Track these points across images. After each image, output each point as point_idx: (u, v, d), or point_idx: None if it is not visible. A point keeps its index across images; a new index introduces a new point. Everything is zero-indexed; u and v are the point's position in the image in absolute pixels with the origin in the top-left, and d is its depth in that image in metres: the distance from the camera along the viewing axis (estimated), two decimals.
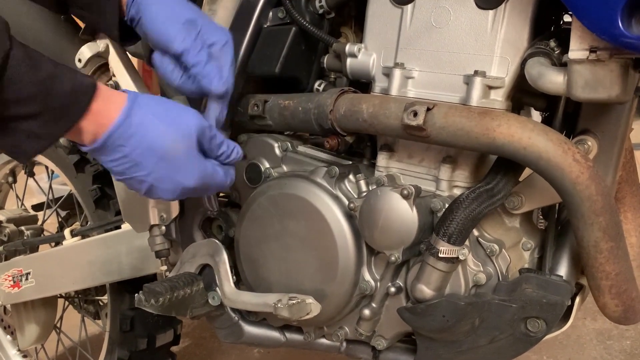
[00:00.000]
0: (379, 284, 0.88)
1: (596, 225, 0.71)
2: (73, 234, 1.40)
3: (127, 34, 0.89)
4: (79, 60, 0.99)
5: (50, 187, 1.61)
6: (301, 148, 0.96)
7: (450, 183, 0.83)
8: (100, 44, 0.97)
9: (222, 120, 0.86)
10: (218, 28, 0.85)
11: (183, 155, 0.76)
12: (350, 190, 0.88)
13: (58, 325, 1.69)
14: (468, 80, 0.79)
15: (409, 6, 0.84)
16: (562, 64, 0.73)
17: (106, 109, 0.73)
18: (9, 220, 1.62)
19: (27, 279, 1.46)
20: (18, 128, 0.68)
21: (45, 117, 0.68)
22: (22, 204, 1.74)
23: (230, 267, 0.96)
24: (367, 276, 0.88)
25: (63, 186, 1.55)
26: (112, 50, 0.97)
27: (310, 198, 0.87)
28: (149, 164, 0.75)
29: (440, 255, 0.77)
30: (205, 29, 0.83)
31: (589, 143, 0.80)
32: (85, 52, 0.98)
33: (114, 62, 0.99)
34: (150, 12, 0.82)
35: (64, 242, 1.41)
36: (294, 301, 0.86)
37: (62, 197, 1.57)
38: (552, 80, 0.72)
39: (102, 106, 0.72)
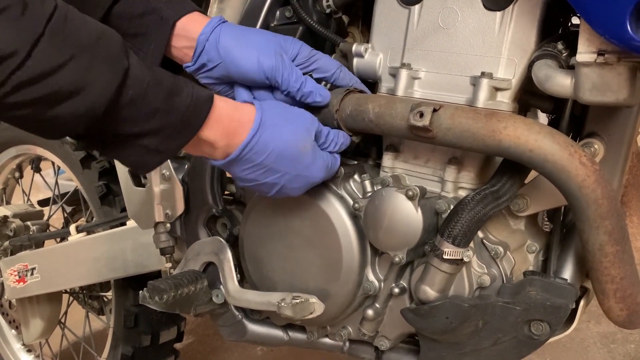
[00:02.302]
0: (382, 284, 0.88)
1: (602, 229, 0.70)
2: (78, 230, 1.41)
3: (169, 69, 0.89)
4: None
5: (57, 182, 1.61)
6: None
7: (456, 184, 0.83)
8: None
9: None
10: (287, 39, 0.85)
11: (311, 153, 0.79)
12: (355, 190, 0.88)
13: (62, 320, 1.70)
14: (475, 82, 0.79)
15: (416, 7, 0.84)
16: (569, 67, 0.73)
17: (237, 120, 0.75)
18: (15, 216, 1.63)
19: (32, 274, 1.47)
20: (138, 144, 0.68)
21: (167, 132, 0.69)
22: (28, 199, 1.75)
23: (234, 265, 0.96)
24: (371, 276, 0.88)
25: (69, 182, 1.56)
26: None
27: (315, 198, 0.87)
28: (282, 167, 0.78)
29: (445, 256, 0.77)
30: (284, 44, 0.84)
31: (596, 146, 0.79)
32: None
33: None
34: (234, 56, 0.81)
35: (69, 238, 1.42)
36: (298, 300, 0.86)
37: (68, 192, 1.58)
38: (560, 82, 0.72)
39: (231, 116, 0.74)
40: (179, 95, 0.69)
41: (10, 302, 1.73)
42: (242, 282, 0.98)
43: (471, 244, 0.79)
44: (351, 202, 0.87)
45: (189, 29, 0.83)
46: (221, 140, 0.74)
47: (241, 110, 0.76)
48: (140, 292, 0.93)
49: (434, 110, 0.75)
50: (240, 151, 0.75)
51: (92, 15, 0.84)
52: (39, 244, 1.59)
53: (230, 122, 0.75)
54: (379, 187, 0.85)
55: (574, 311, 0.84)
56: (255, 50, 0.81)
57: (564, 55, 0.74)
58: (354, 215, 0.86)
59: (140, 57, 0.89)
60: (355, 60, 0.90)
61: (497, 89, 0.78)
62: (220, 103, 0.74)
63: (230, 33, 0.82)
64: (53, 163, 1.51)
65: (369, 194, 0.86)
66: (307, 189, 0.83)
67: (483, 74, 0.78)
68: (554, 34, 0.79)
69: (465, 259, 0.78)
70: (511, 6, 0.77)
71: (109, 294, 1.53)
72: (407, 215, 0.79)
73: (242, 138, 0.75)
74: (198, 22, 0.83)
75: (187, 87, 0.70)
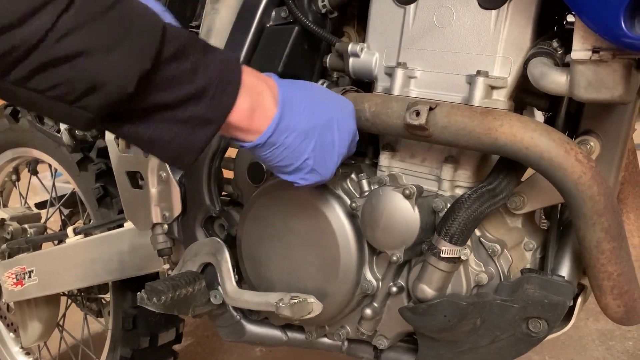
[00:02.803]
0: (380, 283, 0.88)
1: (598, 226, 0.71)
2: (76, 232, 1.41)
3: None
4: None
5: (54, 185, 1.61)
6: None
7: (452, 183, 0.83)
8: None
9: None
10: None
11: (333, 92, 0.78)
12: (352, 189, 0.88)
13: (61, 323, 1.70)
14: (470, 80, 0.79)
15: (412, 6, 0.84)
16: (564, 65, 0.73)
17: (263, 87, 0.69)
18: (12, 218, 1.63)
19: (30, 276, 1.47)
20: (182, 119, 0.61)
21: (211, 92, 0.61)
22: (26, 202, 1.74)
23: (232, 265, 0.96)
24: (369, 276, 0.88)
25: (66, 184, 1.56)
26: None
27: (312, 197, 0.87)
28: (325, 100, 0.75)
29: (442, 255, 0.77)
30: None
31: (592, 143, 0.79)
32: None
33: None
34: None
35: (67, 240, 1.42)
36: (296, 300, 0.86)
37: (65, 195, 1.58)
38: (555, 80, 0.72)
39: (256, 81, 0.68)
40: (213, 52, 0.63)
41: (8, 305, 1.73)
42: (240, 282, 0.98)
43: (468, 242, 0.79)
44: (348, 201, 0.87)
45: None
46: (265, 84, 0.69)
47: (263, 78, 0.71)
48: (138, 293, 0.93)
49: (430, 109, 0.75)
50: (273, 129, 0.68)
51: None
52: (37, 247, 1.59)
53: (261, 75, 0.70)
54: (376, 186, 0.85)
55: (572, 308, 0.84)
56: None
57: (559, 53, 0.74)
58: (352, 215, 0.86)
59: None
60: (351, 59, 0.90)
61: (493, 87, 0.79)
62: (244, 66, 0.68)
63: None
64: (50, 165, 1.51)
65: (366, 193, 0.86)
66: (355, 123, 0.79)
67: (479, 73, 0.78)
68: (549, 32, 0.79)
69: (463, 257, 0.78)
70: (506, 4, 0.77)
71: (107, 296, 1.52)
72: (404, 214, 0.79)
73: (274, 105, 0.69)
74: None
75: (212, 47, 0.65)
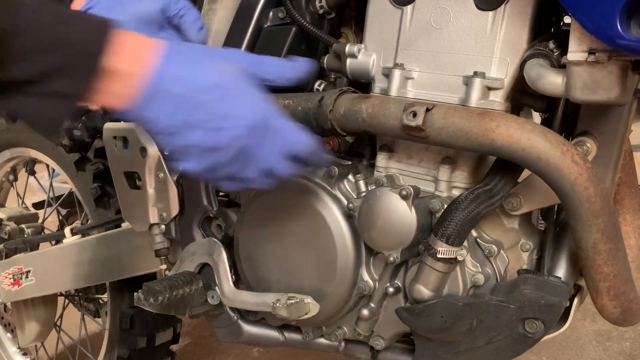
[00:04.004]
0: (377, 284, 0.88)
1: (595, 227, 0.71)
2: (73, 232, 1.41)
3: None
4: None
5: (51, 185, 1.61)
6: None
7: (449, 184, 0.83)
8: None
9: None
10: None
11: (240, 82, 0.67)
12: (349, 190, 0.88)
13: (58, 323, 1.69)
14: (467, 81, 0.79)
15: (409, 7, 0.84)
16: (561, 66, 0.73)
17: (145, 42, 0.63)
18: (9, 218, 1.63)
19: (27, 277, 1.47)
20: (42, 92, 0.58)
21: (68, 67, 0.58)
22: (23, 202, 1.74)
23: (230, 266, 0.96)
24: (366, 276, 0.88)
25: (64, 184, 1.56)
26: None
27: (309, 198, 0.87)
28: (210, 99, 0.64)
29: (439, 255, 0.77)
30: None
31: (588, 145, 0.80)
32: None
33: None
34: None
35: (64, 241, 1.42)
36: (293, 301, 0.86)
37: (62, 195, 1.58)
38: (551, 81, 0.72)
39: (136, 38, 0.62)
40: (74, 18, 0.59)
41: (5, 306, 1.73)
42: (237, 283, 0.98)
43: (465, 243, 0.79)
44: (345, 202, 0.87)
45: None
46: (130, 63, 0.61)
47: (152, 41, 0.64)
48: (135, 293, 0.93)
49: (427, 110, 0.75)
50: (151, 84, 0.61)
51: None
52: (34, 247, 1.59)
53: (137, 43, 0.62)
54: (373, 187, 0.85)
55: (568, 309, 0.84)
56: None
57: (555, 54, 0.74)
58: (349, 215, 0.86)
59: None
60: (348, 60, 0.90)
61: (490, 89, 0.79)
62: (129, 34, 0.62)
63: None
64: (47, 166, 1.51)
65: (363, 193, 0.86)
66: (245, 138, 0.66)
67: (475, 74, 0.78)
68: (546, 34, 0.79)
69: (459, 258, 0.78)
70: (503, 6, 0.77)
71: (105, 297, 1.52)
72: (401, 214, 0.79)
73: (155, 55, 0.62)
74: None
75: (83, 14, 0.61)
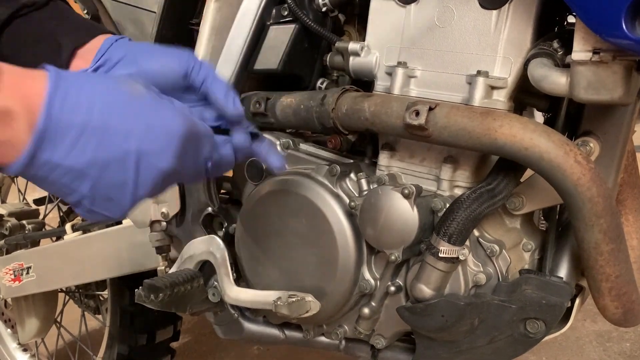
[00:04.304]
0: (378, 282, 0.88)
1: (597, 227, 0.71)
2: (74, 229, 1.41)
3: None
4: None
5: None
6: (303, 146, 0.96)
7: (452, 183, 0.83)
8: None
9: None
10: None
11: (148, 94, 0.57)
12: (351, 188, 0.88)
13: (58, 319, 1.70)
14: (471, 80, 0.79)
15: (413, 5, 0.84)
16: (565, 65, 0.73)
17: (32, 77, 0.52)
18: (10, 214, 1.63)
19: (28, 273, 1.47)
20: None
21: None
22: (24, 198, 1.74)
23: (231, 264, 0.96)
24: (367, 275, 0.88)
25: None
26: None
27: (311, 196, 0.87)
28: (120, 119, 0.53)
29: (441, 255, 0.77)
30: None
31: (591, 145, 0.79)
32: None
33: None
34: (145, 48, 0.70)
35: (65, 237, 1.42)
36: (294, 299, 0.86)
37: None
38: (555, 81, 0.72)
39: (24, 75, 0.52)
40: None
41: (5, 301, 1.73)
42: (238, 280, 0.98)
43: (467, 243, 0.79)
44: (347, 200, 0.87)
45: (95, 47, 0.70)
46: (17, 101, 0.50)
47: (32, 70, 0.53)
48: (136, 290, 0.93)
49: (430, 109, 0.75)
50: (50, 100, 0.50)
51: None
52: (35, 243, 1.59)
53: (23, 79, 0.51)
54: (375, 186, 0.85)
55: (570, 309, 0.84)
56: (172, 47, 0.70)
57: (559, 53, 0.74)
58: (350, 214, 0.86)
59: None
60: (351, 59, 0.90)
61: (493, 88, 0.78)
62: (4, 65, 0.51)
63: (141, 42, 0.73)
64: None
65: (365, 192, 0.86)
66: (178, 156, 0.57)
67: (479, 73, 0.78)
68: (550, 33, 0.79)
69: (461, 258, 0.78)
70: (507, 5, 0.77)
71: (105, 293, 1.52)
72: (403, 213, 0.79)
73: (43, 89, 0.51)
74: (103, 39, 0.71)
75: None
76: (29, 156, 0.50)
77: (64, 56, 0.69)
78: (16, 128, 0.50)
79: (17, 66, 0.52)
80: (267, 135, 0.95)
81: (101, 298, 1.59)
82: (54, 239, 1.57)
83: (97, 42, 0.71)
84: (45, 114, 0.50)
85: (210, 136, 0.65)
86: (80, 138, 0.52)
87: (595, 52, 0.66)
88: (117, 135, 0.53)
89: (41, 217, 1.68)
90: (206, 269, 0.99)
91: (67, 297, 1.67)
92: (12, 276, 1.50)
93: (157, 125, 0.55)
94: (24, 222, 1.63)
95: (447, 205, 0.79)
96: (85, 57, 0.70)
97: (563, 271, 0.82)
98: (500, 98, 0.79)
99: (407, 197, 0.78)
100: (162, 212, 1.06)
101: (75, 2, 1.23)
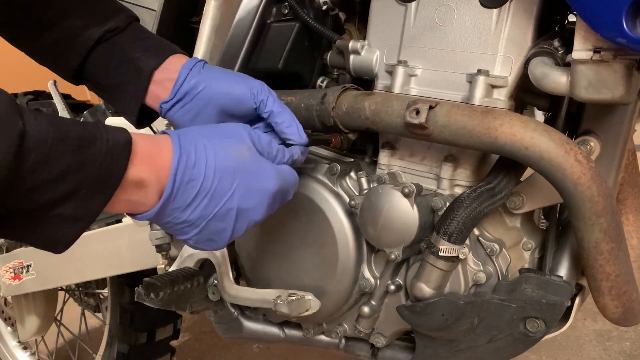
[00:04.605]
0: (378, 281, 0.88)
1: (597, 227, 0.70)
2: None
3: (144, 117, 0.84)
4: None
5: None
6: None
7: (452, 182, 0.83)
8: None
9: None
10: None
11: (252, 159, 0.69)
12: (351, 187, 0.88)
13: (58, 317, 1.70)
14: (471, 79, 0.79)
15: (413, 4, 0.84)
16: (565, 64, 0.73)
17: (158, 148, 0.63)
18: None
19: (27, 271, 1.47)
20: (50, 215, 0.55)
21: (82, 191, 0.56)
22: None
23: (230, 262, 0.96)
24: (367, 274, 0.88)
25: None
26: None
27: (311, 195, 0.87)
28: (228, 183, 0.66)
29: (441, 254, 0.77)
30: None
31: (592, 144, 0.79)
32: None
33: None
34: (221, 76, 0.79)
35: None
36: (294, 297, 0.86)
37: None
38: (556, 80, 0.72)
39: (152, 146, 0.63)
40: (92, 145, 0.56)
41: (5, 299, 1.73)
42: (238, 279, 0.98)
43: (467, 242, 0.79)
44: (347, 199, 0.87)
45: (169, 69, 0.79)
46: (151, 173, 0.61)
47: (158, 138, 0.65)
48: (136, 289, 0.93)
49: (430, 108, 0.75)
50: (174, 173, 0.62)
51: (67, 64, 0.80)
52: None
53: (154, 151, 0.63)
54: (375, 185, 0.85)
55: (570, 308, 0.84)
56: (242, 75, 0.80)
57: (560, 52, 0.74)
58: (350, 213, 0.86)
59: (118, 109, 0.83)
60: (351, 57, 0.90)
61: (494, 87, 0.78)
62: (138, 138, 0.62)
63: (213, 66, 0.81)
64: None
65: (365, 191, 0.86)
66: (269, 208, 0.71)
67: (479, 72, 0.78)
68: (551, 32, 0.79)
69: (461, 256, 0.78)
70: (508, 3, 0.77)
71: (105, 292, 1.52)
72: (403, 212, 0.79)
73: (169, 162, 0.63)
74: (178, 61, 0.80)
75: (100, 131, 0.58)
76: (156, 212, 0.63)
77: (142, 79, 0.79)
78: (148, 192, 0.62)
79: (144, 134, 0.64)
80: None
81: (101, 296, 1.59)
82: None
83: (171, 64, 0.80)
84: (172, 184, 0.62)
85: (295, 184, 0.75)
86: (195, 199, 0.64)
87: (596, 51, 0.66)
88: (223, 196, 0.66)
89: None
90: (206, 267, 0.99)
91: (67, 296, 1.67)
92: (12, 274, 1.50)
93: (255, 187, 0.68)
94: None
95: (447, 204, 0.79)
96: (162, 82, 0.80)
97: (563, 270, 0.82)
98: (501, 97, 0.79)
99: (407, 196, 0.78)
100: None
101: None
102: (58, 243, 0.59)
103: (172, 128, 0.96)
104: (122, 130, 0.60)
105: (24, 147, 0.51)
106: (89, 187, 0.56)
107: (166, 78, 0.80)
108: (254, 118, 0.81)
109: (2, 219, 0.54)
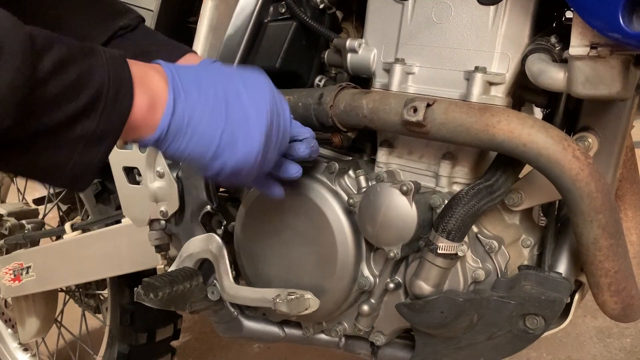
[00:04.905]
0: (377, 279, 0.88)
1: (595, 223, 0.70)
2: (74, 228, 1.41)
3: None
4: None
5: None
6: None
7: (450, 179, 0.83)
8: None
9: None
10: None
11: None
12: (349, 186, 0.88)
13: (59, 319, 1.70)
14: (468, 76, 0.79)
15: (410, 1, 0.84)
16: (563, 61, 0.73)
17: (153, 67, 0.62)
18: (10, 214, 1.63)
19: (27, 272, 1.47)
20: (72, 137, 0.53)
21: (102, 101, 0.53)
22: (24, 197, 1.74)
23: (230, 262, 0.96)
24: (366, 272, 0.88)
25: None
26: None
27: (309, 193, 0.87)
28: (222, 107, 0.64)
29: (439, 251, 0.77)
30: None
31: (590, 140, 0.79)
32: None
33: None
34: None
35: (64, 236, 1.42)
36: (293, 296, 0.85)
37: (63, 191, 1.58)
38: (553, 76, 0.72)
39: (144, 69, 0.61)
40: (93, 54, 0.54)
41: (5, 301, 1.73)
42: (237, 278, 0.98)
43: (466, 239, 0.79)
44: (346, 197, 0.86)
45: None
46: (153, 90, 0.60)
47: (145, 64, 0.63)
48: (135, 289, 0.93)
49: (428, 105, 0.75)
50: (170, 109, 0.60)
51: None
52: (34, 243, 1.59)
53: (144, 69, 0.61)
54: (374, 183, 0.85)
55: (569, 305, 0.84)
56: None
57: (557, 49, 0.74)
58: (349, 211, 0.86)
59: None
60: (349, 55, 0.90)
61: (491, 84, 0.78)
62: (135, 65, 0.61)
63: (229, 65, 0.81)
64: None
65: (364, 189, 0.86)
66: (263, 149, 0.68)
67: (477, 69, 0.78)
68: (547, 28, 0.79)
69: (460, 254, 0.78)
70: (504, 0, 0.77)
71: (105, 292, 1.53)
72: (402, 210, 0.79)
73: (164, 79, 0.62)
74: (196, 59, 0.80)
75: (92, 45, 0.56)
76: (171, 106, 0.61)
77: None
78: (159, 87, 0.61)
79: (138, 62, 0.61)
80: None
81: (101, 297, 1.59)
82: (54, 238, 1.57)
83: (188, 61, 0.81)
84: (168, 71, 0.62)
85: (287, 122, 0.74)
86: (198, 85, 0.64)
87: (592, 47, 0.66)
88: (223, 81, 0.66)
89: (40, 216, 1.68)
90: (205, 267, 0.99)
91: (67, 297, 1.67)
92: (12, 276, 1.50)
93: (246, 76, 0.70)
94: (24, 221, 1.63)
95: (446, 201, 0.79)
96: None
97: (562, 267, 0.82)
98: (498, 94, 0.79)
99: (405, 193, 0.78)
100: (161, 211, 1.06)
101: None
102: (84, 172, 0.56)
103: None
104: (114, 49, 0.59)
105: (36, 51, 0.49)
106: (107, 95, 0.54)
107: None
108: None
109: (24, 146, 0.51)
